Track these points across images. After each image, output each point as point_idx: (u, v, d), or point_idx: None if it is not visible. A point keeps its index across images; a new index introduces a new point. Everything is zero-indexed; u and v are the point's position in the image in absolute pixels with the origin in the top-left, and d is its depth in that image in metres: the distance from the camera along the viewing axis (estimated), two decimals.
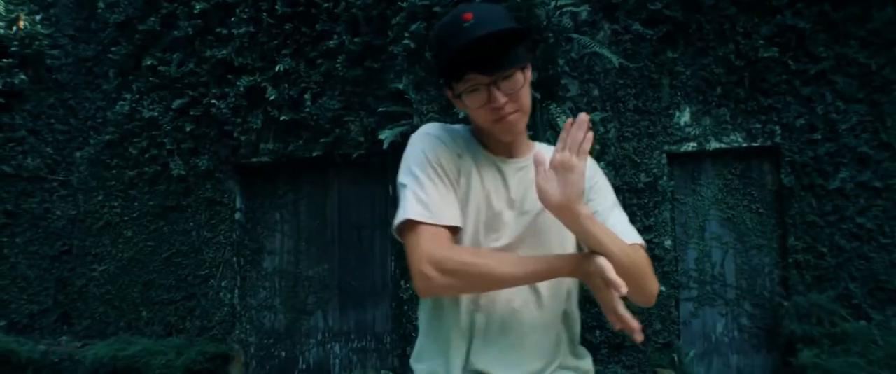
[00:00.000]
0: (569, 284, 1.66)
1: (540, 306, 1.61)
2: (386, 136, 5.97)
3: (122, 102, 7.67)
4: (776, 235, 6.23)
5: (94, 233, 7.76)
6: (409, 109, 5.81)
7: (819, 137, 6.03)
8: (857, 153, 5.96)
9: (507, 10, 1.63)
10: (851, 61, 6.01)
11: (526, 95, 1.58)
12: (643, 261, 1.59)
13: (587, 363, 1.73)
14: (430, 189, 1.55)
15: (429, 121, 5.05)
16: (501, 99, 1.53)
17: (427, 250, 1.48)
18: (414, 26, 5.29)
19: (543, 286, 1.61)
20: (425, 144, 1.62)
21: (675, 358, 6.03)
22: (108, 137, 7.77)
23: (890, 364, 5.21)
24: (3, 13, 8.77)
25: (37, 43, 8.23)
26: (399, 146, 5.92)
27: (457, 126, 1.71)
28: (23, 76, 8.18)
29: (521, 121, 1.60)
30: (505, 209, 1.62)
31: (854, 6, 5.99)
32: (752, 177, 6.32)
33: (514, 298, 1.59)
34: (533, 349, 1.60)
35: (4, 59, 8.15)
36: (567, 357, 1.67)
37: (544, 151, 1.64)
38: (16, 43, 8.21)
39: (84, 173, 7.91)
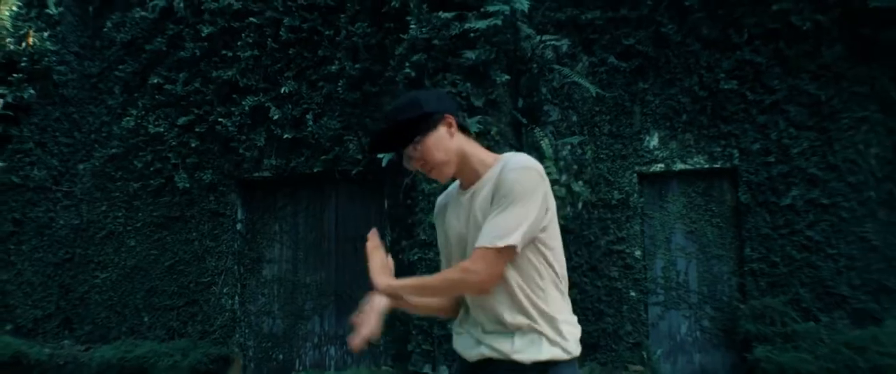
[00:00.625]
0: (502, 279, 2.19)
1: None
2: (384, 154, 6.43)
3: (127, 118, 7.98)
4: (734, 246, 6.73)
5: (97, 242, 8.03)
6: None
7: (773, 159, 6.58)
8: (807, 174, 6.52)
9: (420, 96, 2.20)
10: (803, 93, 6.58)
11: (430, 154, 2.14)
12: (455, 269, 2.13)
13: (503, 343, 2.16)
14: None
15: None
16: (412, 165, 2.18)
17: None
18: (415, 57, 5.81)
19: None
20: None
21: (645, 356, 6.48)
22: (113, 150, 8.06)
23: (834, 359, 5.73)
24: (11, 29, 9.08)
25: (46, 59, 8.52)
26: (396, 165, 6.40)
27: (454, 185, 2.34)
28: (31, 90, 8.45)
29: (441, 169, 2.17)
30: (459, 222, 2.23)
31: (805, 43, 6.58)
32: (713, 195, 6.84)
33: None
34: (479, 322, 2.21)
35: (14, 75, 8.44)
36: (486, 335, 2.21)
37: (501, 163, 2.15)
38: (25, 59, 8.49)
39: (87, 185, 8.18)
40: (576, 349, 2.16)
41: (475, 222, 2.13)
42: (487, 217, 2.07)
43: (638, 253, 6.73)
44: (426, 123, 2.12)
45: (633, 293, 6.70)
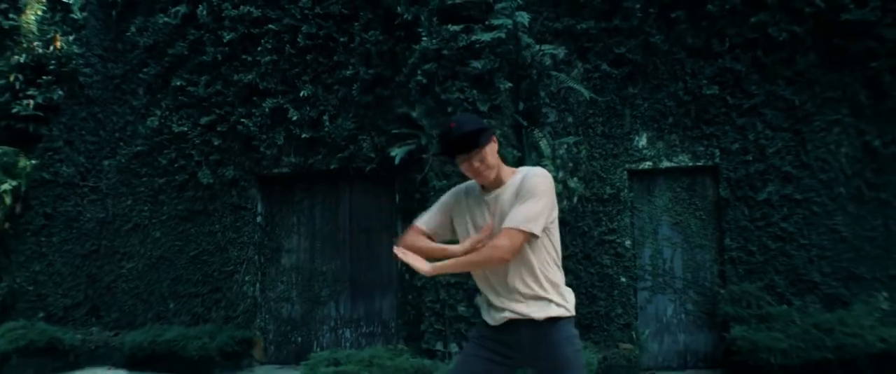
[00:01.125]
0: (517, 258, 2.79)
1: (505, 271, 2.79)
2: (397, 153, 6.95)
3: (152, 118, 8.47)
4: (715, 236, 7.18)
5: (123, 234, 8.52)
6: (417, 132, 6.83)
7: (751, 158, 7.02)
8: (782, 172, 6.96)
9: (477, 117, 2.84)
10: (779, 97, 7.00)
11: (491, 157, 2.78)
12: (488, 246, 2.66)
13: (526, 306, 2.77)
14: (431, 212, 2.89)
15: (434, 142, 6.16)
16: (474, 166, 2.74)
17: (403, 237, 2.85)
18: (426, 66, 6.37)
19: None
20: (447, 193, 2.96)
21: (634, 335, 6.94)
22: (138, 148, 8.56)
23: (804, 338, 6.13)
24: (37, 33, 9.55)
25: (72, 62, 9.00)
26: (407, 162, 6.97)
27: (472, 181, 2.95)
28: (60, 92, 8.94)
29: (489, 172, 2.79)
30: (485, 216, 2.84)
31: (782, 52, 7.00)
32: (696, 190, 7.28)
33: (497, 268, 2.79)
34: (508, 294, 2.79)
35: (43, 77, 8.92)
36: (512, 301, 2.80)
37: (521, 173, 2.82)
38: (53, 62, 8.98)
39: (113, 180, 8.67)
40: (573, 310, 2.83)
41: (502, 214, 2.75)
42: (513, 207, 2.69)
43: (628, 243, 7.17)
44: (486, 136, 2.76)
45: (623, 279, 7.14)
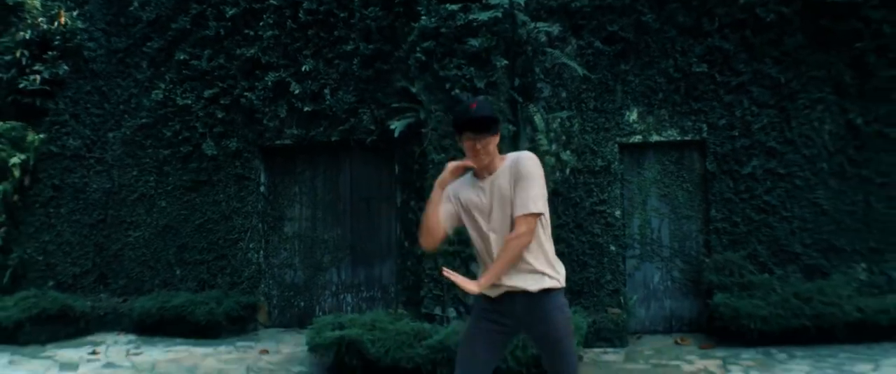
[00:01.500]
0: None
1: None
2: (396, 126, 7.17)
3: (156, 91, 8.67)
4: (701, 208, 7.44)
5: (129, 204, 8.75)
6: (416, 106, 7.07)
7: (737, 133, 7.25)
8: (766, 147, 7.20)
9: (493, 108, 3.10)
10: (765, 76, 7.22)
11: (492, 146, 3.08)
12: (510, 239, 2.97)
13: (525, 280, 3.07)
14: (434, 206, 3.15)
15: (435, 118, 6.42)
16: (476, 147, 3.03)
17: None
18: (425, 44, 6.58)
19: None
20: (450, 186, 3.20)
21: (622, 301, 7.22)
22: (142, 120, 8.77)
23: (783, 306, 6.45)
24: (40, 9, 9.68)
25: (77, 37, 9.16)
26: (406, 135, 7.22)
27: (466, 174, 3.24)
28: (65, 67, 9.12)
29: (485, 157, 3.08)
30: (483, 200, 3.13)
31: (769, 32, 7.20)
32: (684, 163, 7.52)
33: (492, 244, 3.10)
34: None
35: (49, 52, 9.09)
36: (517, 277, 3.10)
37: (510, 159, 3.11)
38: (58, 37, 9.14)
39: (118, 152, 8.89)
40: (564, 282, 3.15)
41: (501, 196, 3.07)
42: (515, 193, 2.99)
43: (617, 213, 7.42)
44: (496, 127, 3.08)
45: (612, 248, 7.40)
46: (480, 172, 3.14)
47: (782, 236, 7.21)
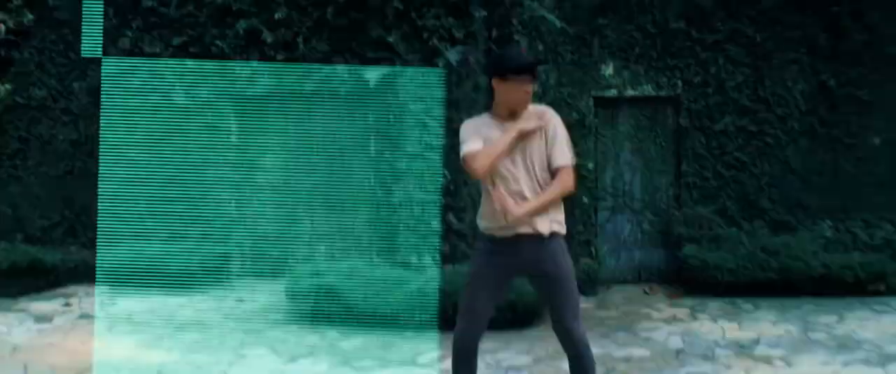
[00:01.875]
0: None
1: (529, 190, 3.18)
2: (372, 76, 7.15)
3: (122, 39, 8.44)
4: (673, 162, 7.57)
5: (96, 155, 8.55)
6: (393, 56, 7.02)
7: (711, 91, 7.37)
8: (739, 105, 7.33)
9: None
10: (741, 34, 7.29)
11: (531, 92, 3.22)
12: (558, 181, 3.15)
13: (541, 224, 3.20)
14: (472, 138, 3.19)
15: (411, 65, 6.37)
16: (526, 90, 3.18)
17: (473, 157, 3.12)
18: None
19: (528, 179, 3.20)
20: (467, 125, 3.30)
21: (593, 251, 7.36)
22: (111, 71, 8.52)
23: (750, 259, 6.65)
24: None
25: None
26: (380, 85, 7.15)
27: (480, 116, 3.37)
28: (29, 15, 8.80)
29: (528, 102, 3.21)
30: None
31: None
32: (657, 118, 7.62)
33: (520, 183, 3.18)
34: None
35: (13, 1, 8.75)
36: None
37: (532, 108, 3.25)
38: None
39: (84, 102, 8.67)
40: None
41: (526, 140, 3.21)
42: (552, 144, 3.20)
43: (591, 165, 7.48)
44: (537, 73, 3.27)
45: (585, 199, 7.46)
46: (506, 115, 3.25)
47: (751, 192, 7.38)
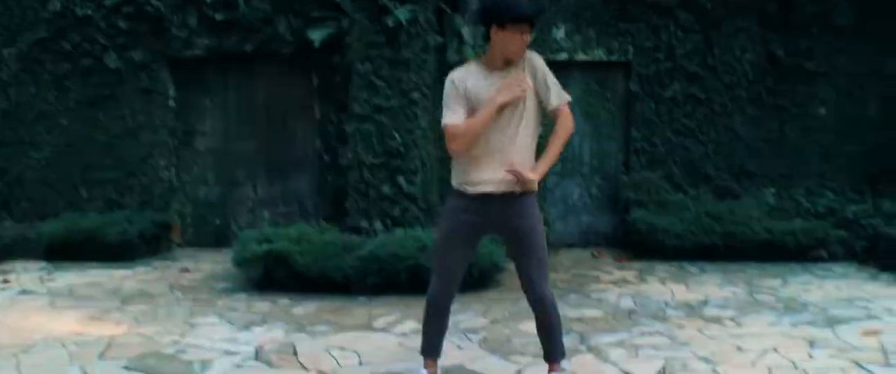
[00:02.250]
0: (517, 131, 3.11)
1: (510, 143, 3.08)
2: (316, 36, 6.92)
3: (53, 2, 7.92)
4: (623, 128, 7.61)
5: (28, 123, 8.07)
6: (338, 14, 6.78)
7: (661, 57, 7.39)
8: (689, 72, 7.38)
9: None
10: (693, 2, 7.32)
11: (528, 40, 3.08)
12: (561, 127, 3.09)
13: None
14: (454, 106, 3.10)
15: (358, 25, 6.17)
16: (525, 39, 3.05)
17: (451, 136, 3.04)
18: None
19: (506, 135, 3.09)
20: (452, 80, 3.15)
21: (542, 216, 7.41)
22: (40, 34, 8.03)
23: (696, 223, 6.75)
24: None
25: None
26: (326, 45, 6.92)
27: (468, 65, 3.23)
28: None
29: (524, 50, 3.08)
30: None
31: None
32: (607, 84, 7.62)
33: (492, 138, 3.08)
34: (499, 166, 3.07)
35: None
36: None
37: (530, 53, 3.14)
38: None
39: (14, 69, 8.13)
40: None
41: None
42: (545, 85, 3.11)
43: (540, 130, 7.48)
44: (536, 23, 3.10)
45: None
46: (501, 65, 3.13)
47: (697, 158, 7.50)
